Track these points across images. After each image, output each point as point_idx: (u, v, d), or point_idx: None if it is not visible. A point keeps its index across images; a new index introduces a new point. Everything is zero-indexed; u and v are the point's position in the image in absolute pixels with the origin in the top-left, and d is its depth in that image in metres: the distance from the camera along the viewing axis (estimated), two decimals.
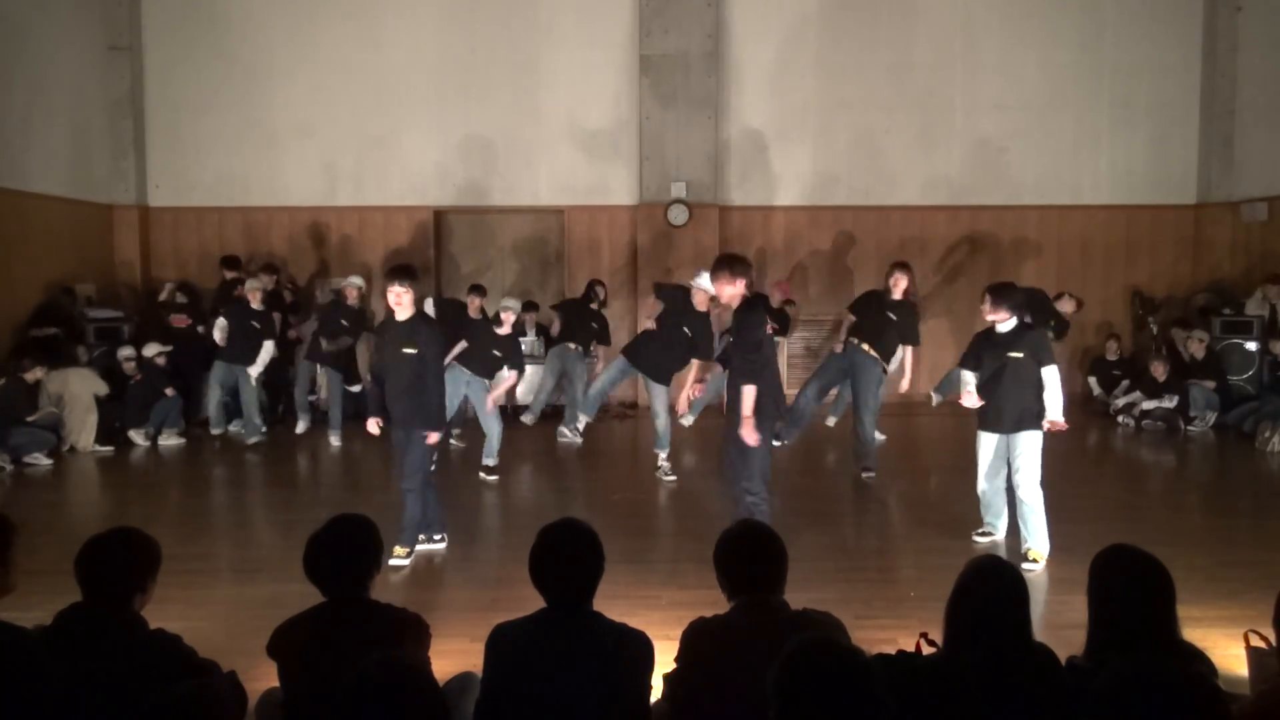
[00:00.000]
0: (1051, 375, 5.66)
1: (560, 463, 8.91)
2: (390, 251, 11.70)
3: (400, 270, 5.75)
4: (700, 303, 7.65)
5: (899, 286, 7.90)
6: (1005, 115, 11.78)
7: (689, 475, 7.90)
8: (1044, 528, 5.64)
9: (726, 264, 5.38)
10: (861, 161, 11.78)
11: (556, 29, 11.56)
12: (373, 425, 5.96)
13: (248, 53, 11.57)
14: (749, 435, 5.25)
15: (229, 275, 10.56)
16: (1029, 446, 5.68)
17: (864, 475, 7.78)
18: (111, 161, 11.49)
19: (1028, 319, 6.35)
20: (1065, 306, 9.89)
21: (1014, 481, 5.74)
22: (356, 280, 9.68)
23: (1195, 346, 10.38)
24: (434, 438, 5.72)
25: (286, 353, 10.30)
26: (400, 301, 5.63)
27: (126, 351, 9.79)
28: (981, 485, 6.00)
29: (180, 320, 10.23)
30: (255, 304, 9.48)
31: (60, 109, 10.58)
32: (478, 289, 9.18)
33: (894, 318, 7.87)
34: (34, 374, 8.75)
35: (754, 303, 5.52)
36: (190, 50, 11.56)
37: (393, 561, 5.52)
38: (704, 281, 7.30)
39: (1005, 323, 5.76)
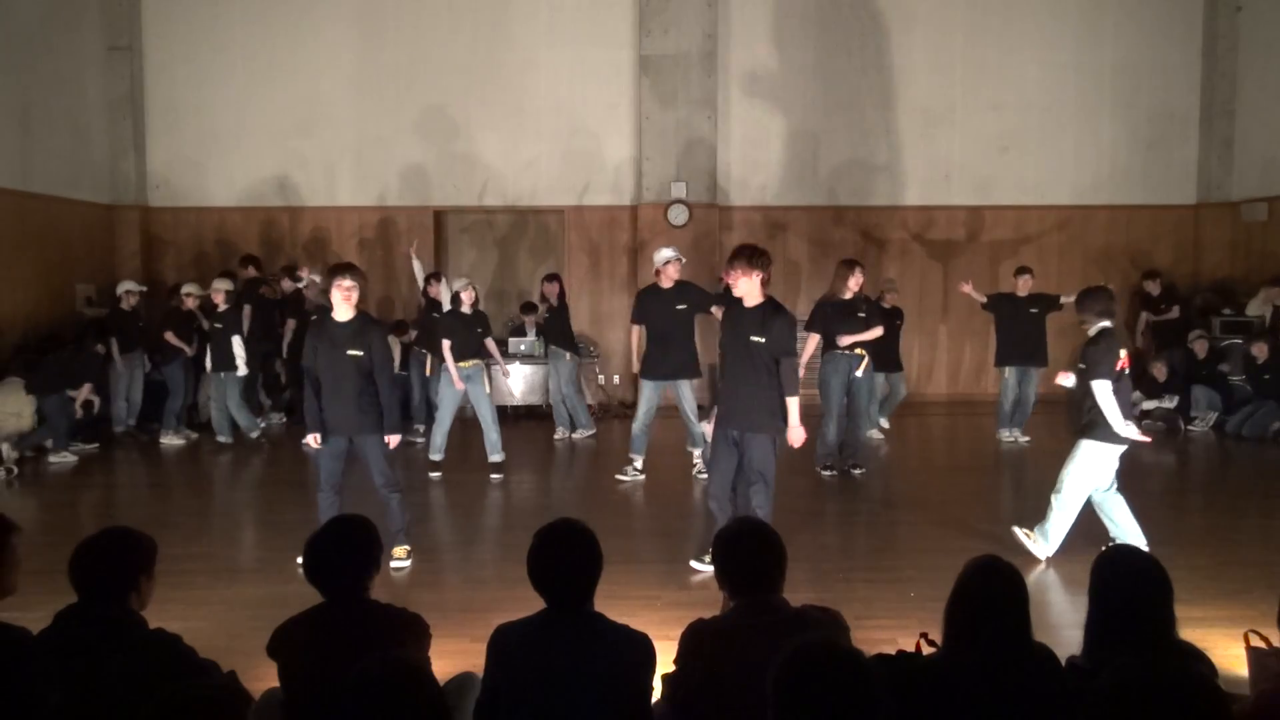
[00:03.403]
0: (1097, 389, 5.38)
1: (561, 462, 8.91)
2: (390, 251, 11.71)
3: (350, 265, 5.52)
4: (667, 277, 7.63)
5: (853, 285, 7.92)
6: (1005, 115, 11.79)
7: (688, 475, 7.89)
8: (1060, 531, 5.59)
9: (746, 255, 5.10)
10: (861, 161, 11.79)
11: (556, 29, 11.56)
12: (314, 441, 5.50)
13: (248, 53, 11.57)
14: (798, 439, 5.14)
15: (250, 274, 10.56)
16: (1078, 454, 5.56)
17: (826, 474, 7.97)
18: (111, 161, 11.49)
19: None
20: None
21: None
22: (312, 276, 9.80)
23: (1198, 346, 10.39)
24: (395, 440, 5.55)
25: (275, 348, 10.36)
26: (350, 298, 5.37)
27: (128, 284, 9.95)
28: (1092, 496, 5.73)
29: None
30: (221, 305, 9.36)
31: (60, 109, 10.59)
32: (554, 277, 9.94)
33: (863, 316, 7.98)
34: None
35: (781, 306, 5.24)
36: (190, 50, 11.56)
37: (394, 564, 5.52)
38: (666, 253, 7.66)
39: (1093, 328, 5.60)
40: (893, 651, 3.01)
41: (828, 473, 7.95)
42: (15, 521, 2.99)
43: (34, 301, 9.99)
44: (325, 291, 5.56)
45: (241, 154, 11.70)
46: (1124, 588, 2.75)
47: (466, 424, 8.84)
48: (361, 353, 5.37)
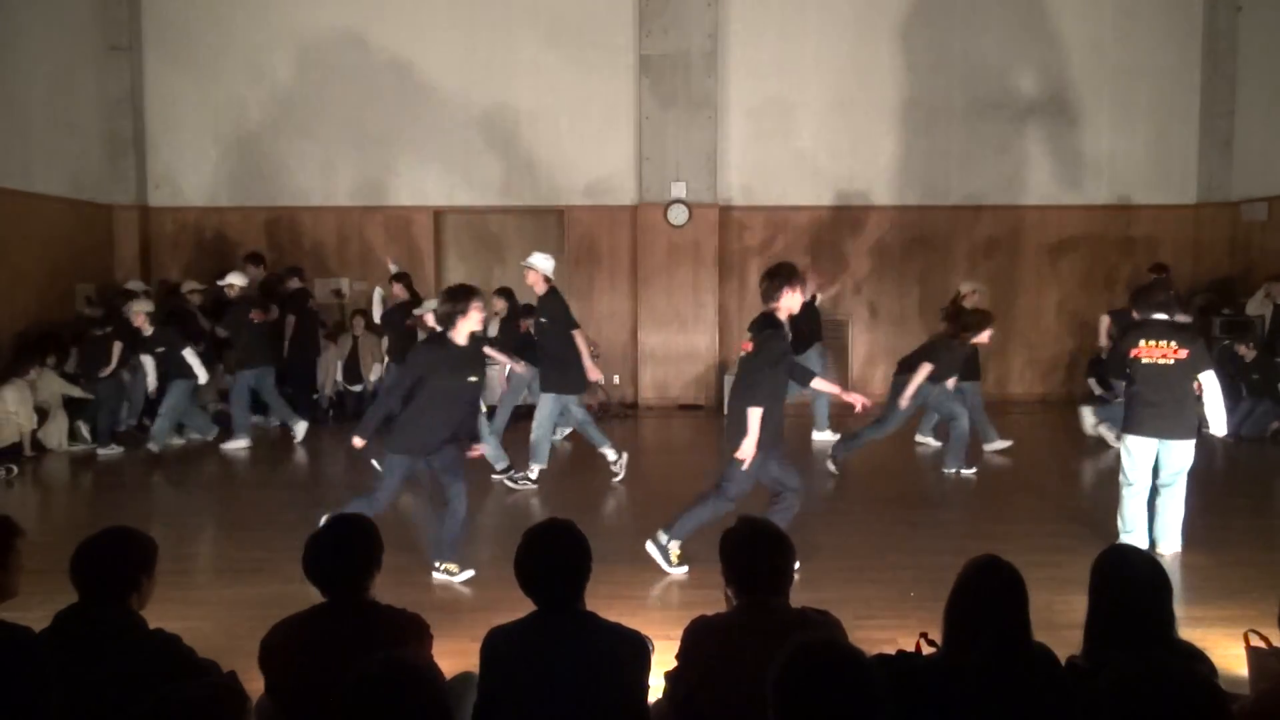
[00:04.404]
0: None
1: (560, 463, 8.90)
2: (390, 251, 11.69)
3: (476, 288, 5.30)
4: (535, 284, 7.52)
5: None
6: (1005, 115, 11.78)
7: (687, 474, 7.88)
8: (1133, 516, 5.79)
9: (798, 271, 5.36)
10: (861, 162, 11.78)
11: (557, 29, 11.56)
12: (359, 442, 5.32)
13: (247, 52, 11.57)
14: (744, 453, 5.22)
15: (260, 274, 10.51)
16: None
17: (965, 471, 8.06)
18: (111, 161, 11.49)
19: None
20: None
21: None
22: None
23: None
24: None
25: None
26: (483, 322, 5.20)
27: (134, 284, 10.07)
28: None
29: (259, 315, 9.62)
30: (146, 329, 9.11)
31: (60, 109, 10.58)
32: (503, 292, 9.18)
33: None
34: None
35: (774, 319, 5.33)
36: (190, 50, 11.56)
37: (460, 577, 5.40)
38: (536, 261, 7.43)
39: None
40: (893, 651, 3.01)
41: (833, 466, 7.98)
42: (19, 524, 2.99)
43: (34, 302, 9.98)
44: (447, 316, 5.10)
45: (241, 154, 11.70)
46: (1124, 587, 2.75)
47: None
48: (478, 378, 5.27)
